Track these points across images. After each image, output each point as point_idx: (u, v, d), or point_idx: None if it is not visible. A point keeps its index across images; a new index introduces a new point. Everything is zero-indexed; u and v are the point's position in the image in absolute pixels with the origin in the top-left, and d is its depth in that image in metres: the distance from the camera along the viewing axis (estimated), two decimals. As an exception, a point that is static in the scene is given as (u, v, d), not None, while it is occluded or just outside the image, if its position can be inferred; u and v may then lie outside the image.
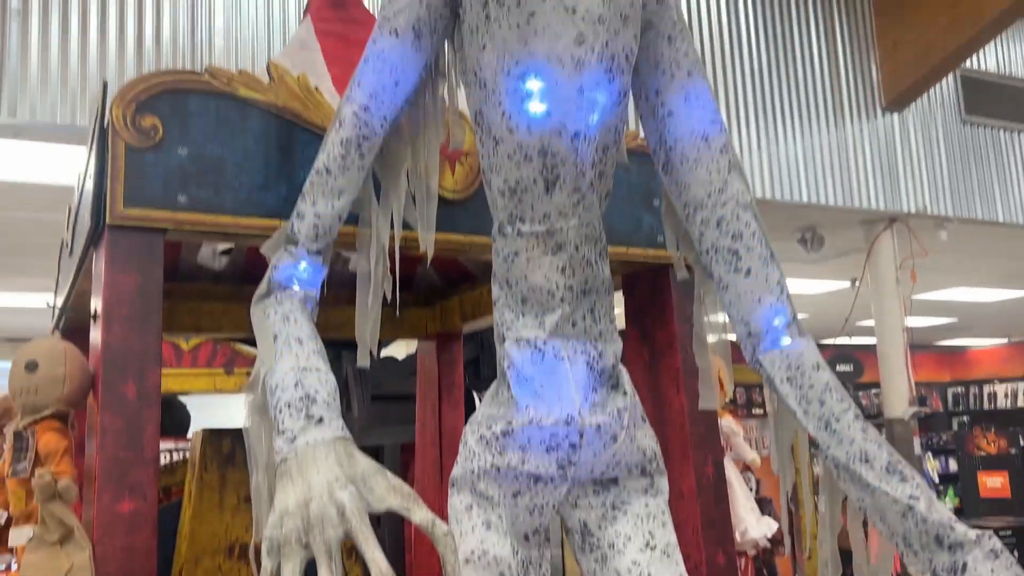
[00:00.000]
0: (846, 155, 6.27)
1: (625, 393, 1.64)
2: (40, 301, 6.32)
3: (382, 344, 4.05)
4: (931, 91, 6.68)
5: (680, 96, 1.68)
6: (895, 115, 6.55)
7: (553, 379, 1.58)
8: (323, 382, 1.46)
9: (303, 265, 1.66)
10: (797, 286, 9.41)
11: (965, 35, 5.81)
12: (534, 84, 1.52)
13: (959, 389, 16.58)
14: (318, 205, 1.64)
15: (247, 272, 2.86)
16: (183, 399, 5.67)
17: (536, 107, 1.52)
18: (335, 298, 2.41)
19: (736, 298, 1.62)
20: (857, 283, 7.22)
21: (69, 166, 3.84)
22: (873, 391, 11.91)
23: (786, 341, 1.58)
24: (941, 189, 6.61)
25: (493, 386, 1.65)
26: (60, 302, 2.75)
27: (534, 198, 1.56)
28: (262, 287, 1.65)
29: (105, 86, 1.90)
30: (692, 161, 1.67)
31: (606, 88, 1.55)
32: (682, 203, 1.70)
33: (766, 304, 1.60)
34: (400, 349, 4.25)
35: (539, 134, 1.53)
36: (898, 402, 6.41)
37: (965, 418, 16.04)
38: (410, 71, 1.65)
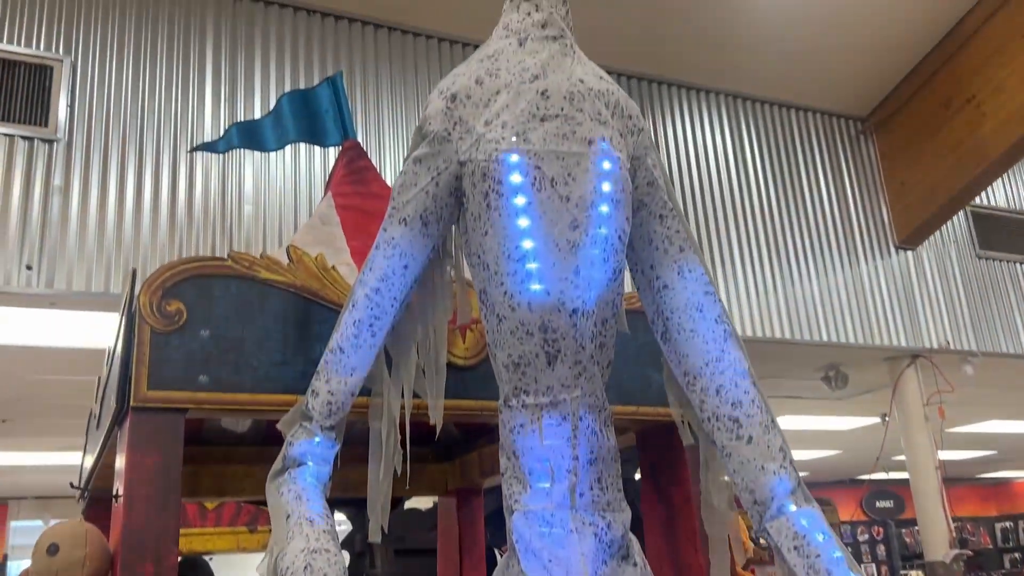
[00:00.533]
0: (863, 293, 6.33)
1: (635, 564, 1.65)
2: (68, 459, 6.37)
3: (401, 501, 4.04)
4: (943, 228, 6.79)
5: (673, 270, 1.76)
6: (909, 252, 6.64)
7: (562, 553, 1.59)
8: (331, 563, 1.49)
9: (317, 440, 1.72)
10: (826, 423, 9.29)
11: (970, 174, 5.96)
12: (533, 266, 1.61)
13: (1007, 524, 15.98)
14: (331, 383, 1.71)
15: (269, 434, 2.91)
16: (207, 558, 5.63)
17: (535, 287, 1.61)
18: (358, 456, 2.46)
19: (740, 466, 1.65)
20: (887, 419, 7.13)
21: (101, 330, 3.97)
22: (916, 528, 11.51)
23: (791, 508, 1.60)
24: (962, 324, 6.62)
25: (503, 561, 1.67)
26: (88, 468, 2.81)
27: (537, 371, 1.63)
28: (277, 463, 1.71)
29: (134, 273, 2.01)
30: (688, 331, 1.73)
31: (601, 268, 1.64)
32: (681, 371, 1.75)
33: (769, 471, 1.62)
34: (425, 499, 4.23)
35: (539, 312, 1.61)
36: (938, 542, 6.20)
37: (1017, 555, 15.38)
38: (419, 255, 1.75)
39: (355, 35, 5.36)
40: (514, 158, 1.63)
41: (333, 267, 2.09)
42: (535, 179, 1.63)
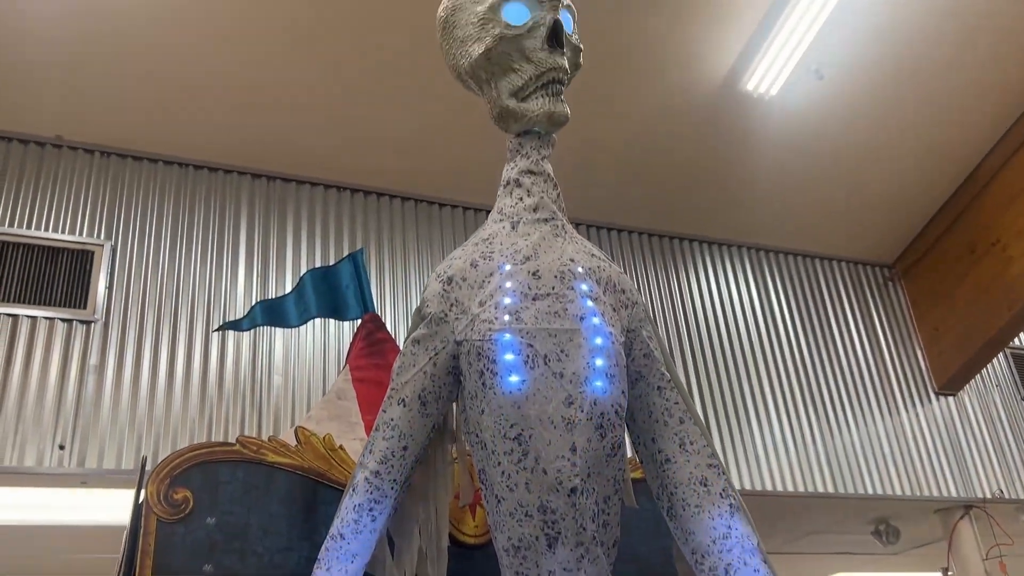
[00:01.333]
0: (906, 442, 6.14)
1: None
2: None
3: None
4: (984, 372, 6.64)
5: (675, 443, 1.75)
6: (950, 398, 6.48)
7: None
8: None
9: (319, 632, 1.68)
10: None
11: (1003, 317, 5.88)
12: (529, 445, 1.61)
13: None
14: (333, 571, 1.69)
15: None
16: None
17: (532, 466, 1.60)
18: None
19: (754, 650, 1.57)
20: (949, 574, 6.76)
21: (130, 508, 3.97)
22: None
23: None
24: (1015, 471, 6.36)
25: None
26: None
27: (537, 555, 1.59)
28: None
29: (144, 462, 2.04)
30: (694, 507, 1.70)
31: (598, 444, 1.63)
32: (689, 549, 1.70)
33: (784, 655, 1.54)
34: None
35: (537, 492, 1.59)
36: None
37: None
38: (418, 435, 1.76)
39: (383, 208, 5.57)
40: (507, 337, 1.66)
41: (341, 446, 2.10)
42: (528, 357, 1.65)
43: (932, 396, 6.44)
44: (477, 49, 1.97)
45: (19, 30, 4.47)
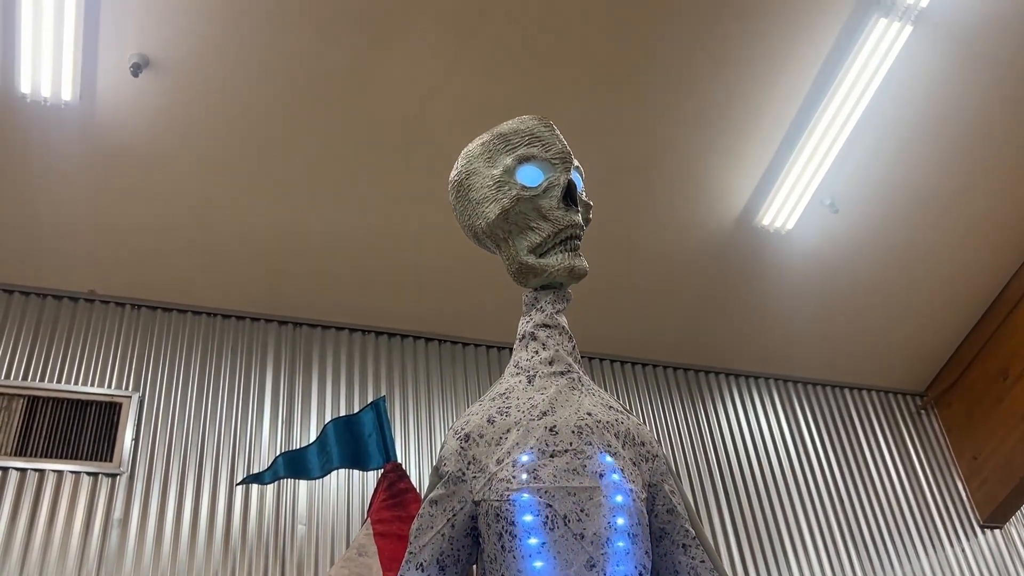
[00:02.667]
0: (954, 580, 5.88)
1: None
2: None
3: None
4: (1030, 501, 6.41)
5: (702, 604, 1.69)
6: (996, 531, 6.23)
7: None
8: None
9: None
10: None
11: (1044, 445, 5.73)
12: (551, 611, 1.56)
13: None
14: None
15: None
16: None
17: (554, 633, 1.55)
18: None
19: None
20: None
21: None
22: None
23: None
24: (1072, 608, 6.04)
25: None
26: None
27: None
28: None
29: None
30: (725, 673, 1.63)
31: (622, 608, 1.58)
32: None
33: None
34: None
35: (560, 659, 1.54)
36: None
37: None
38: (437, 600, 1.72)
39: (407, 349, 5.61)
40: (525, 497, 1.64)
41: (360, 610, 2.05)
42: (547, 518, 1.62)
43: (977, 529, 6.19)
44: (494, 210, 2.06)
45: (57, 187, 4.68)
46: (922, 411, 6.70)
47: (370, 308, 5.50)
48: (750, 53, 4.87)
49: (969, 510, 6.27)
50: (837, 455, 6.20)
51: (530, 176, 2.08)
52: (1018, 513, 6.31)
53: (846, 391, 6.59)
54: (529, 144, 2.12)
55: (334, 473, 4.86)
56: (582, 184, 2.18)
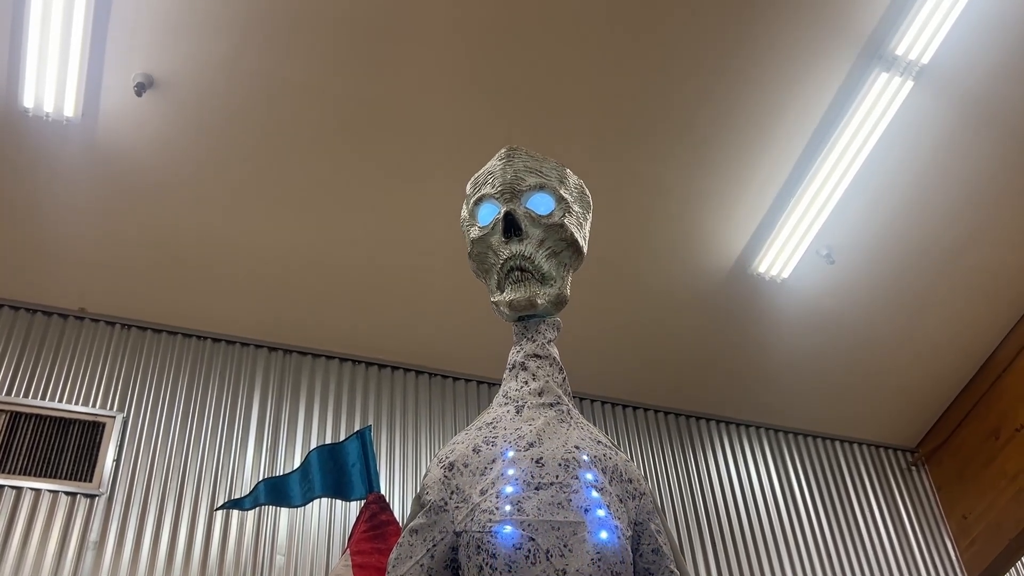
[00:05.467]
0: (942, 641, 5.79)
1: None
2: None
3: None
4: (1020, 564, 6.33)
5: (686, 647, 1.64)
6: (986, 595, 6.15)
7: None
8: None
9: None
10: None
11: (1035, 506, 5.67)
12: (529, 648, 1.52)
13: None
14: None
15: None
16: None
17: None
18: None
19: None
20: None
21: None
22: None
23: None
24: (1061, 675, 5.94)
25: None
26: None
27: None
28: None
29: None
30: None
31: (602, 648, 1.54)
32: None
33: None
34: None
35: None
36: None
37: None
38: (414, 632, 1.67)
39: (396, 381, 5.56)
40: (507, 529, 1.60)
41: (334, 641, 1.99)
42: (529, 551, 1.58)
43: (967, 592, 6.11)
44: (468, 252, 2.15)
45: (49, 203, 4.66)
46: (913, 467, 6.65)
47: (361, 338, 5.46)
48: (752, 100, 4.90)
49: (958, 570, 6.19)
50: (826, 507, 6.13)
51: (484, 215, 2.10)
52: (1007, 575, 6.24)
53: (837, 443, 6.54)
54: (485, 183, 2.14)
55: (315, 504, 4.80)
56: (552, 205, 2.07)
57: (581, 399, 5.77)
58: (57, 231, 4.75)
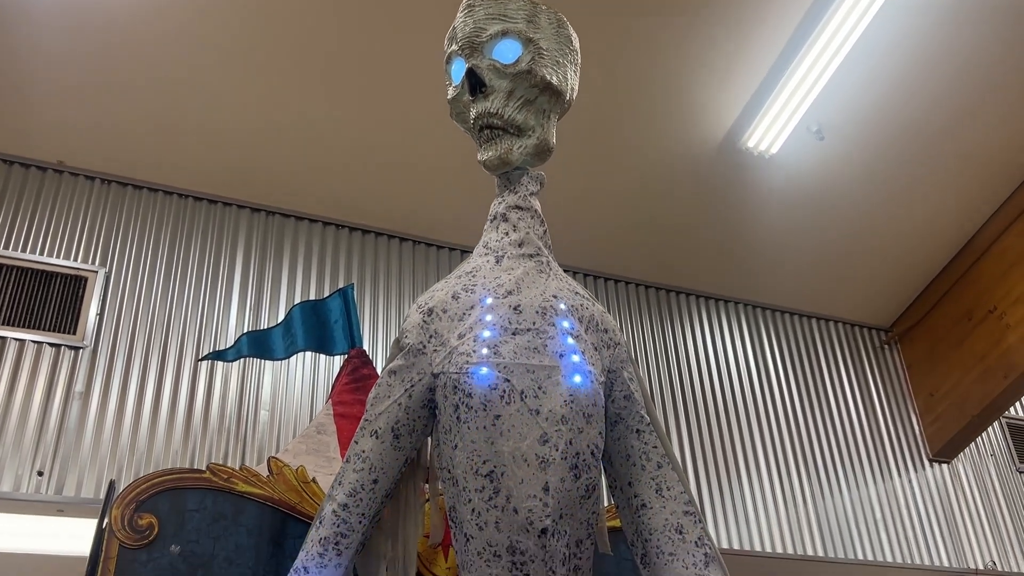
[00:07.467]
0: (898, 509, 6.06)
1: None
2: None
3: None
4: (979, 440, 6.57)
5: (652, 488, 1.71)
6: (944, 466, 6.40)
7: None
8: None
9: (277, 669, 1.62)
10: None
11: (999, 386, 5.83)
12: (501, 482, 1.57)
13: None
14: (294, 605, 1.64)
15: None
16: None
17: (503, 505, 1.56)
18: None
19: None
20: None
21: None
22: None
23: None
24: (1008, 544, 6.25)
25: None
26: None
27: (505, 598, 1.55)
28: None
29: (112, 485, 1.99)
30: (668, 555, 1.65)
31: (572, 484, 1.59)
32: (662, 600, 1.65)
33: None
34: None
35: (507, 532, 1.55)
36: None
37: None
38: (390, 469, 1.72)
39: (380, 246, 5.57)
40: (484, 371, 1.64)
41: (314, 479, 2.05)
42: (504, 392, 1.62)
43: (926, 463, 6.36)
44: None
45: (27, 53, 4.51)
46: (886, 346, 6.80)
47: (345, 203, 5.43)
48: (750, -32, 4.75)
49: (920, 444, 6.43)
50: (798, 383, 6.29)
51: (456, 73, 2.00)
52: (965, 451, 6.48)
53: (813, 321, 6.66)
54: (452, 39, 2.01)
55: (299, 362, 4.88)
56: (519, 51, 1.92)
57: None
58: (33, 79, 4.61)
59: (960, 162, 5.78)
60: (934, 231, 6.23)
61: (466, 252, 5.74)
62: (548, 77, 1.94)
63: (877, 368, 6.67)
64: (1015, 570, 6.16)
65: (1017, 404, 6.83)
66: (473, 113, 1.93)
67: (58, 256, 4.70)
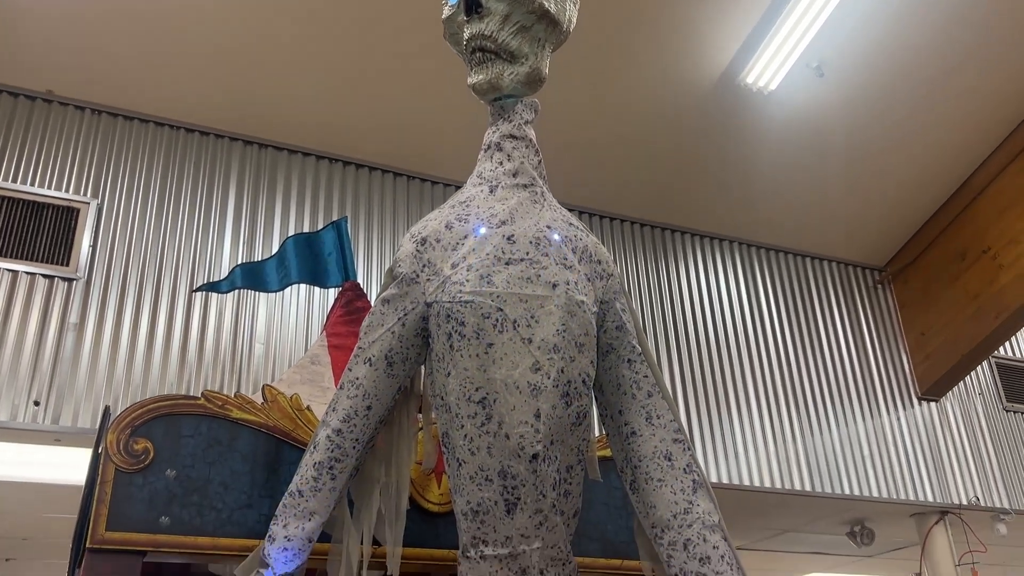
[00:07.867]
0: (885, 445, 6.15)
1: None
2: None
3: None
4: (968, 379, 6.64)
5: (641, 416, 1.73)
6: (932, 404, 6.48)
7: None
8: None
9: (274, 589, 1.66)
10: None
11: (990, 326, 5.88)
12: (493, 409, 1.59)
13: None
14: (289, 528, 1.67)
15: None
16: None
17: (495, 431, 1.58)
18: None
19: (707, 626, 1.56)
20: (920, 580, 6.78)
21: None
22: None
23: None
24: (992, 480, 6.37)
25: None
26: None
27: (496, 520, 1.57)
28: (232, 613, 1.65)
29: (106, 411, 2.01)
30: (656, 481, 1.68)
31: (563, 411, 1.61)
32: (649, 523, 1.69)
33: (738, 633, 1.53)
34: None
35: (499, 456, 1.57)
36: None
37: None
38: (383, 396, 1.74)
39: (373, 181, 5.54)
40: (477, 300, 1.64)
41: (308, 407, 2.07)
42: (497, 321, 1.62)
43: (915, 401, 6.44)
44: None
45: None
46: (879, 285, 6.82)
47: (338, 137, 5.38)
48: None
49: (910, 382, 6.50)
50: (791, 321, 6.33)
51: None
52: (954, 389, 6.56)
53: (807, 260, 6.68)
54: None
55: (293, 296, 4.89)
56: None
57: (559, 206, 5.79)
58: (23, 7, 4.52)
59: (958, 102, 5.73)
60: (930, 171, 6.20)
61: (460, 187, 5.71)
62: (546, 4, 1.89)
63: (869, 307, 6.71)
64: (998, 505, 6.28)
65: (1007, 344, 6.89)
66: (466, 34, 1.88)
67: (50, 187, 4.67)
